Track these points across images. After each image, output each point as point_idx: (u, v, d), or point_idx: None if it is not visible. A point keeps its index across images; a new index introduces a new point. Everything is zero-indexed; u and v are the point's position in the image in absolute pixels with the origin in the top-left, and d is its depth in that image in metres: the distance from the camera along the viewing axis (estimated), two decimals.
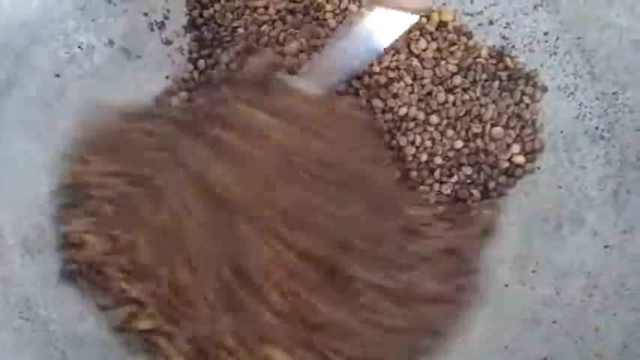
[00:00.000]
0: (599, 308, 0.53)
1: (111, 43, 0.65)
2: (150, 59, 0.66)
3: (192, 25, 0.68)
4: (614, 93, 0.61)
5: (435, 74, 0.66)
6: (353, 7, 0.67)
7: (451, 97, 0.64)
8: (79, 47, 0.64)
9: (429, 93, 0.65)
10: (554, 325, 0.53)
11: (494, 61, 0.66)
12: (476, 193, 0.60)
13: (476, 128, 0.62)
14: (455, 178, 0.61)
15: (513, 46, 0.67)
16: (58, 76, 0.63)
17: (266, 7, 0.66)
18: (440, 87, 0.65)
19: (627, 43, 0.61)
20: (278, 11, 0.66)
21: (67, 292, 0.54)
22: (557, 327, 0.53)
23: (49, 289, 0.54)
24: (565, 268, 0.56)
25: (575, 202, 0.59)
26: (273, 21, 0.66)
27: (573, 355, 0.51)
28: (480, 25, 0.68)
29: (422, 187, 0.60)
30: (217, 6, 0.68)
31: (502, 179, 0.61)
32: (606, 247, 0.56)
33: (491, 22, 0.68)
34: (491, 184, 0.61)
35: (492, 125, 0.63)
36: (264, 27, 0.65)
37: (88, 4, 0.64)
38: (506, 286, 0.56)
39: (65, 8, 0.63)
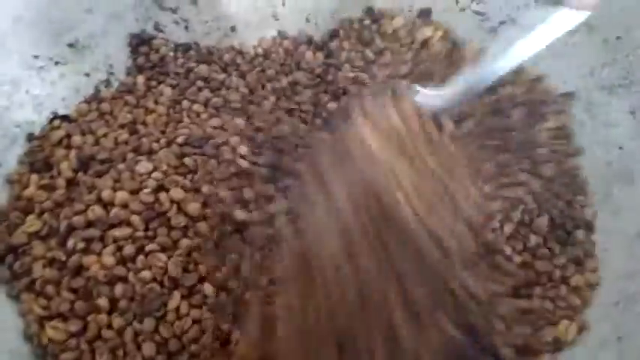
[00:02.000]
0: None
1: (54, 114, 0.53)
2: None
3: (140, 71, 0.56)
4: (618, 38, 0.53)
5: None
6: None
7: None
8: (17, 127, 0.51)
9: None
10: None
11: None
12: None
13: None
14: None
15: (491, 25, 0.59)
16: None
17: None
18: None
19: None
20: None
21: None
22: None
23: None
24: None
25: (618, 161, 0.50)
26: None
27: None
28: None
29: None
30: (164, 49, 0.57)
31: None
32: None
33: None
34: None
35: None
36: None
37: (16, 74, 0.52)
38: None
39: None
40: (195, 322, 0.42)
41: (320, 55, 0.59)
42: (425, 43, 0.59)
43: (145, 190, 0.46)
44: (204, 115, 0.53)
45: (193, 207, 0.46)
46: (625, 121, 0.51)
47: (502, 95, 0.55)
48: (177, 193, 0.46)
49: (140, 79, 0.56)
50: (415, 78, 0.57)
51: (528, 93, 0.55)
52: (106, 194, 0.46)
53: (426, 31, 0.59)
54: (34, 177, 0.49)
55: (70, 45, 0.55)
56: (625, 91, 0.52)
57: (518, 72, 0.56)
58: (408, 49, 0.59)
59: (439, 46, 0.59)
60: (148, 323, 0.42)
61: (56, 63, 0.54)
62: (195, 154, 0.49)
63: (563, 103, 0.55)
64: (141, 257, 0.44)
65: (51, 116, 0.53)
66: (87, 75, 0.55)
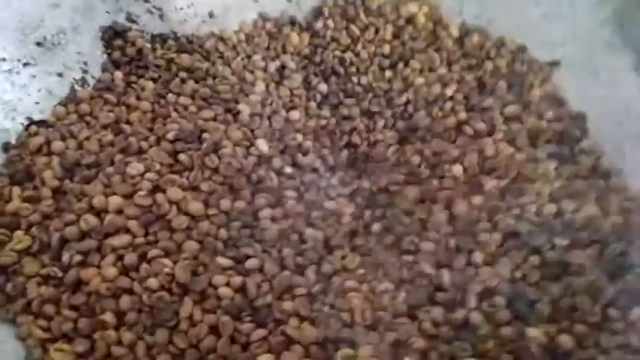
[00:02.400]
0: None
1: (29, 120, 0.49)
2: None
3: (116, 66, 0.53)
4: None
5: None
6: None
7: None
8: None
9: None
10: None
11: None
12: None
13: None
14: None
15: None
16: None
17: None
18: None
19: None
20: None
21: None
22: None
23: None
24: None
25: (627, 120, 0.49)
26: None
27: None
28: None
29: None
30: (140, 41, 0.53)
31: None
32: None
33: None
34: None
35: None
36: None
37: None
38: None
39: None
40: (211, 327, 0.40)
41: (305, 36, 0.57)
42: (410, 20, 0.57)
43: (140, 193, 0.43)
44: (192, 108, 0.50)
45: (195, 206, 0.43)
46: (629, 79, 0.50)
47: (486, 70, 0.54)
48: (175, 193, 0.43)
49: (118, 74, 0.52)
50: (398, 56, 0.55)
51: (512, 64, 0.54)
52: (97, 201, 0.43)
53: (412, 7, 0.57)
54: (16, 189, 0.44)
55: (38, 44, 0.50)
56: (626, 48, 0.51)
57: (499, 45, 0.55)
58: (392, 26, 0.57)
59: (424, 23, 0.57)
60: (161, 334, 0.39)
61: (25, 64, 0.50)
62: (189, 149, 0.46)
63: (549, 71, 0.54)
64: (144, 265, 0.41)
65: (26, 122, 0.48)
66: (60, 75, 0.51)
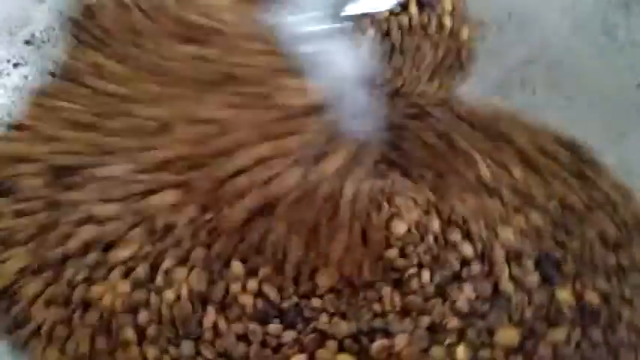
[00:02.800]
0: None
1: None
2: None
3: None
4: None
5: None
6: None
7: None
8: None
9: None
10: None
11: None
12: None
13: None
14: None
15: None
16: None
17: None
18: None
19: None
20: None
21: None
22: None
23: None
24: None
25: None
26: None
27: None
28: None
29: None
30: None
31: None
32: None
33: None
34: None
35: None
36: None
37: None
38: None
39: None
40: (237, 335, 0.36)
41: None
42: None
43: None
44: None
45: None
46: None
47: None
48: None
49: None
50: None
51: None
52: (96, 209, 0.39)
53: None
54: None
55: (27, 42, 0.47)
56: None
57: None
58: None
59: None
60: (187, 346, 0.36)
61: (15, 65, 0.46)
62: None
63: None
64: (158, 275, 0.37)
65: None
66: (53, 75, 0.47)
